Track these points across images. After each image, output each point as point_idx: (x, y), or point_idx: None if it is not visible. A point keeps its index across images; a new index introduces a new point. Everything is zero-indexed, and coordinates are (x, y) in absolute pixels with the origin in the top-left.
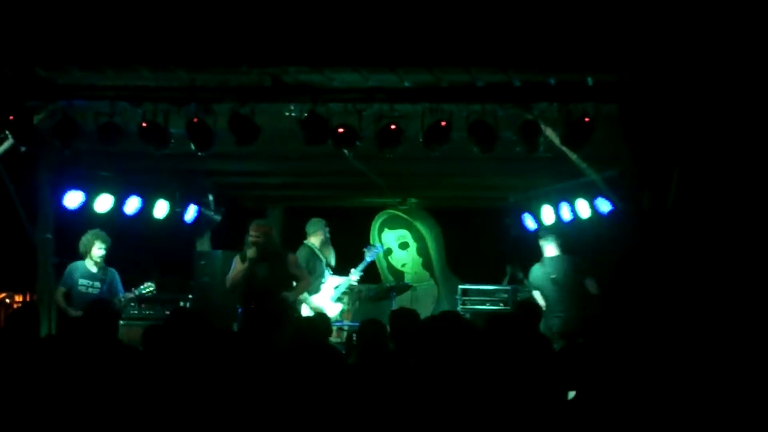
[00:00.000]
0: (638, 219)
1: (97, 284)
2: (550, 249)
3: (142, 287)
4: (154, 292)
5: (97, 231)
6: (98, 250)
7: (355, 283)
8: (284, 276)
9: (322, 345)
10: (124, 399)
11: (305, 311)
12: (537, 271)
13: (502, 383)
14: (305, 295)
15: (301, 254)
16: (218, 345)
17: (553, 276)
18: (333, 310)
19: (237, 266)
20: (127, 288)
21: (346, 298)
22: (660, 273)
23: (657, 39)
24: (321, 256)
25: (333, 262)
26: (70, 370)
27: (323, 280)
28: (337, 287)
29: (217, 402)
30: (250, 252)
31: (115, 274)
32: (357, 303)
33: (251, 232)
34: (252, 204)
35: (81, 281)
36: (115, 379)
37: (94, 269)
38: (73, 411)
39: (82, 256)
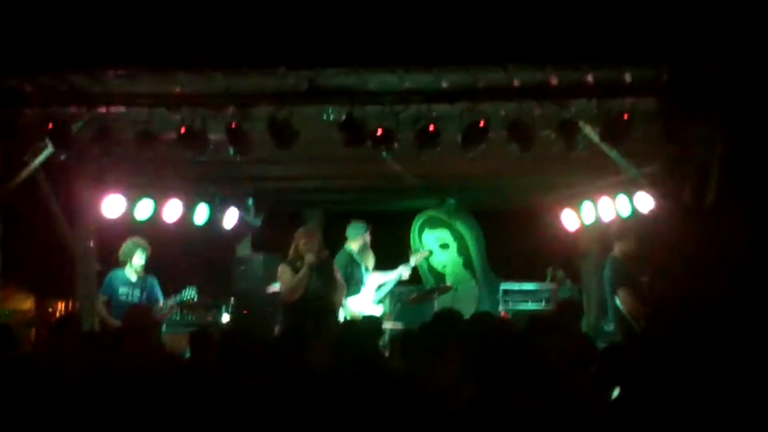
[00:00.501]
0: (679, 215)
1: (137, 292)
2: None
3: (183, 294)
4: (195, 298)
5: (137, 239)
6: (139, 259)
7: (406, 277)
8: (331, 282)
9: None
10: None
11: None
12: None
13: (544, 382)
14: (343, 300)
15: (338, 261)
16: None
17: None
18: (373, 312)
19: (287, 275)
20: (168, 295)
21: (387, 301)
22: (701, 269)
23: (694, 32)
24: (359, 261)
25: (372, 267)
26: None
27: (362, 286)
28: (379, 287)
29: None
30: (308, 257)
31: (154, 281)
32: (398, 305)
33: (303, 240)
34: (291, 208)
35: (121, 289)
36: (158, 388)
37: (133, 277)
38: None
39: (122, 264)
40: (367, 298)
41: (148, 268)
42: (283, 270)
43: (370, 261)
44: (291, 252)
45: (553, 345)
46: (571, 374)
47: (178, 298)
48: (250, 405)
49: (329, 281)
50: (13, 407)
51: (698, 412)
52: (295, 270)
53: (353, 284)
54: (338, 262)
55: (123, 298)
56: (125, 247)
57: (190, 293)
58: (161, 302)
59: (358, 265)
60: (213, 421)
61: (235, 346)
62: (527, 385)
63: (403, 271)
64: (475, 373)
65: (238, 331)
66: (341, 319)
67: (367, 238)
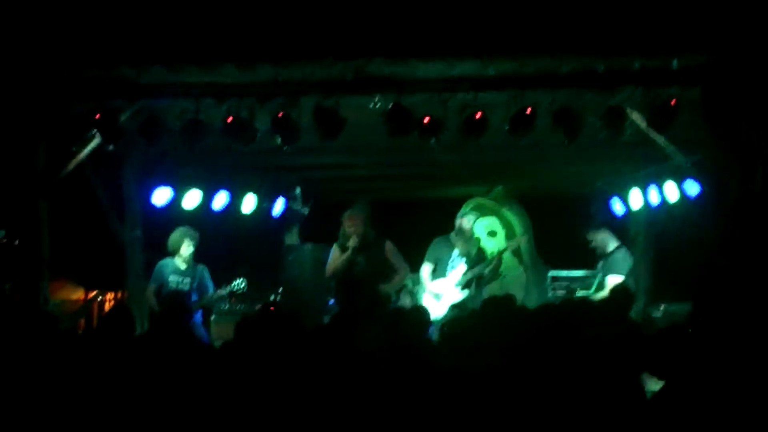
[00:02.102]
0: (727, 201)
1: (187, 281)
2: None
3: (234, 283)
4: (246, 288)
5: (185, 228)
6: (187, 248)
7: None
8: (382, 265)
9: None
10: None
11: (427, 298)
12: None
13: (592, 369)
14: (423, 280)
15: (433, 242)
16: (302, 345)
17: None
18: (454, 295)
19: (335, 255)
20: (218, 284)
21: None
22: (750, 257)
23: (742, 19)
24: (451, 245)
25: (466, 253)
26: (162, 368)
27: (449, 269)
28: (465, 273)
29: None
30: (352, 241)
31: (204, 270)
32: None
33: (346, 223)
34: (339, 197)
35: (171, 278)
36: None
37: (183, 266)
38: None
39: (171, 254)
40: (451, 282)
41: (196, 257)
42: (334, 250)
43: (465, 246)
44: (339, 234)
45: (603, 333)
46: (621, 362)
47: (228, 288)
48: (291, 390)
49: (378, 263)
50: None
51: (743, 406)
52: (343, 250)
53: (440, 267)
54: (433, 243)
55: (173, 286)
56: (174, 236)
57: (240, 283)
58: (211, 291)
59: (449, 249)
60: (248, 407)
61: (280, 331)
62: (575, 373)
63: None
64: (521, 362)
65: (283, 316)
66: (407, 301)
67: (464, 223)
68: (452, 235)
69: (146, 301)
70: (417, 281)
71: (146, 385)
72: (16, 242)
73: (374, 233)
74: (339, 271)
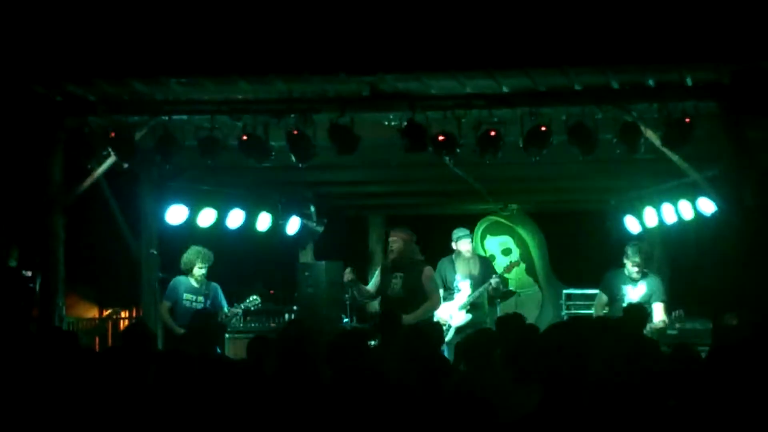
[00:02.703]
0: (742, 217)
1: (201, 299)
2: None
3: (247, 301)
4: (260, 305)
5: (198, 249)
6: (199, 270)
7: (494, 285)
8: (417, 289)
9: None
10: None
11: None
12: None
13: (606, 387)
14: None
15: (439, 265)
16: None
17: None
18: (458, 318)
19: (376, 273)
20: (232, 302)
21: (482, 307)
22: (764, 272)
23: (755, 34)
24: (455, 267)
25: (468, 274)
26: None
27: (455, 292)
28: (470, 294)
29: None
30: (385, 261)
31: (217, 288)
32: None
33: (389, 239)
34: (353, 213)
35: (185, 296)
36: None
37: (197, 284)
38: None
39: (184, 272)
40: (456, 304)
41: (212, 275)
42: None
43: (466, 268)
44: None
45: (617, 350)
46: (635, 379)
47: (242, 305)
48: (305, 406)
49: (412, 286)
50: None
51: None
52: (382, 269)
53: (448, 289)
54: (438, 265)
55: (187, 304)
56: (186, 257)
57: (254, 300)
58: (225, 309)
59: (453, 271)
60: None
61: (293, 348)
62: (590, 391)
63: (493, 282)
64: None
65: (296, 334)
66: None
67: (461, 246)
68: (453, 257)
69: (160, 318)
70: None
71: (170, 402)
72: (28, 273)
73: (416, 256)
74: (377, 291)
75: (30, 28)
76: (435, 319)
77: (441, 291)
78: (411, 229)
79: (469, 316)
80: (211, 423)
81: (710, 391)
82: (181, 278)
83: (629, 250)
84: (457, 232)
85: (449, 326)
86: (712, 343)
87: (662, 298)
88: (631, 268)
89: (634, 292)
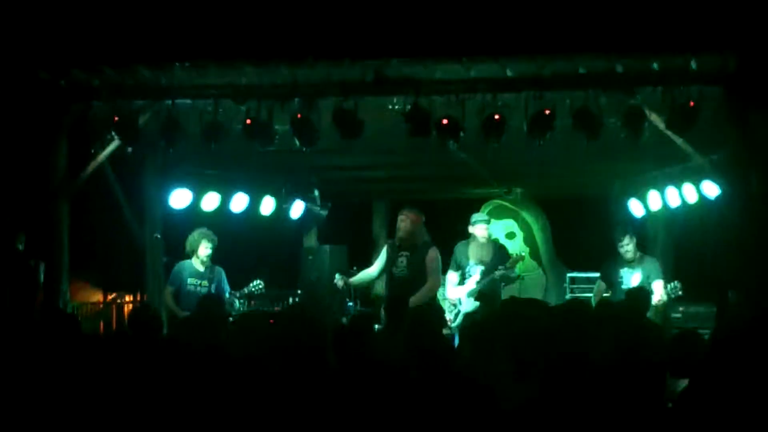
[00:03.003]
0: (746, 202)
1: (205, 283)
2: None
3: (251, 285)
4: (264, 289)
5: (203, 230)
6: (205, 250)
7: (498, 277)
8: (422, 269)
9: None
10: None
11: (446, 306)
12: None
13: (609, 371)
14: (445, 287)
15: (455, 249)
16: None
17: None
18: (467, 304)
19: (383, 252)
20: (235, 286)
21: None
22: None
23: (761, 20)
24: (467, 251)
25: (480, 260)
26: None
27: (469, 274)
28: (479, 281)
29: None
30: (392, 240)
31: (222, 272)
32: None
33: (398, 219)
34: (358, 198)
35: (189, 280)
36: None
37: (201, 268)
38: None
39: (188, 255)
40: (465, 290)
41: (215, 259)
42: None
43: (479, 253)
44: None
45: (620, 333)
46: (638, 363)
47: (246, 290)
48: (307, 393)
49: (416, 267)
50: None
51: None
52: (390, 248)
53: (461, 274)
54: (455, 249)
55: (191, 288)
56: (191, 238)
57: (257, 285)
58: (228, 293)
59: (467, 256)
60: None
61: (290, 334)
62: (591, 377)
63: (497, 274)
64: (535, 367)
65: (294, 319)
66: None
67: (477, 230)
68: (468, 241)
69: (164, 303)
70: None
71: (176, 388)
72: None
73: (424, 237)
74: (381, 270)
75: (35, 15)
76: (443, 300)
77: (457, 274)
78: (420, 211)
79: (477, 304)
80: (213, 412)
81: (713, 378)
82: (185, 263)
83: (616, 234)
84: (475, 216)
85: (459, 311)
86: (716, 324)
87: (660, 276)
88: (623, 251)
89: (631, 276)
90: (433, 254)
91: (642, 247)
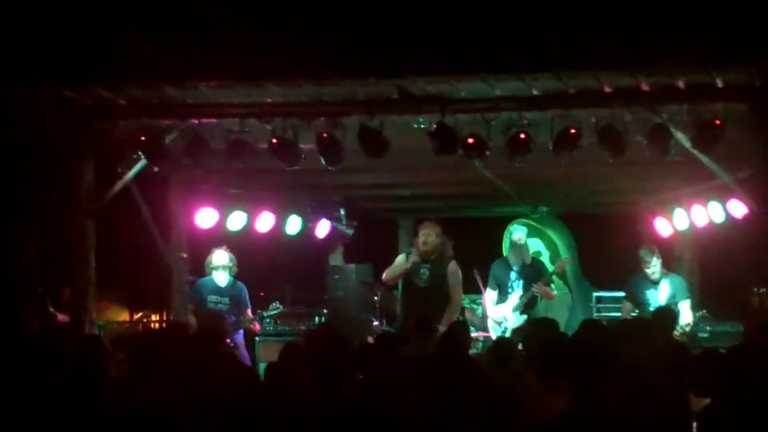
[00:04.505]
0: None
1: (226, 299)
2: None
3: (270, 308)
4: (282, 310)
5: (222, 249)
6: (219, 259)
7: (536, 292)
8: (442, 285)
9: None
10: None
11: (491, 325)
12: None
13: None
14: (486, 306)
15: (494, 264)
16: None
17: None
18: (514, 320)
19: (399, 260)
20: (262, 305)
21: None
22: None
23: None
24: (509, 266)
25: (528, 260)
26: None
27: (510, 291)
28: (521, 296)
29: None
30: (412, 255)
31: (243, 289)
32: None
33: (420, 231)
34: (383, 216)
35: (210, 297)
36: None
37: (222, 284)
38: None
39: (209, 273)
40: (509, 306)
41: (241, 277)
42: (400, 256)
43: (519, 256)
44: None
45: (644, 351)
46: (664, 381)
47: (264, 314)
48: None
49: (438, 279)
50: None
51: None
52: (412, 263)
53: (503, 289)
54: (492, 267)
55: (212, 305)
56: (211, 256)
57: (275, 308)
58: (249, 311)
59: (507, 270)
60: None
61: (327, 356)
62: (618, 393)
63: (534, 289)
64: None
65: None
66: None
67: (515, 237)
68: (507, 250)
69: (188, 320)
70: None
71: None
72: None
73: (448, 251)
74: (393, 277)
75: (61, 33)
76: (488, 319)
77: (495, 293)
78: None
79: (523, 317)
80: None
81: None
82: (205, 280)
83: (642, 254)
84: (513, 222)
85: (506, 328)
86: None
87: (687, 295)
88: (650, 272)
89: (657, 295)
90: (454, 267)
91: (667, 265)
